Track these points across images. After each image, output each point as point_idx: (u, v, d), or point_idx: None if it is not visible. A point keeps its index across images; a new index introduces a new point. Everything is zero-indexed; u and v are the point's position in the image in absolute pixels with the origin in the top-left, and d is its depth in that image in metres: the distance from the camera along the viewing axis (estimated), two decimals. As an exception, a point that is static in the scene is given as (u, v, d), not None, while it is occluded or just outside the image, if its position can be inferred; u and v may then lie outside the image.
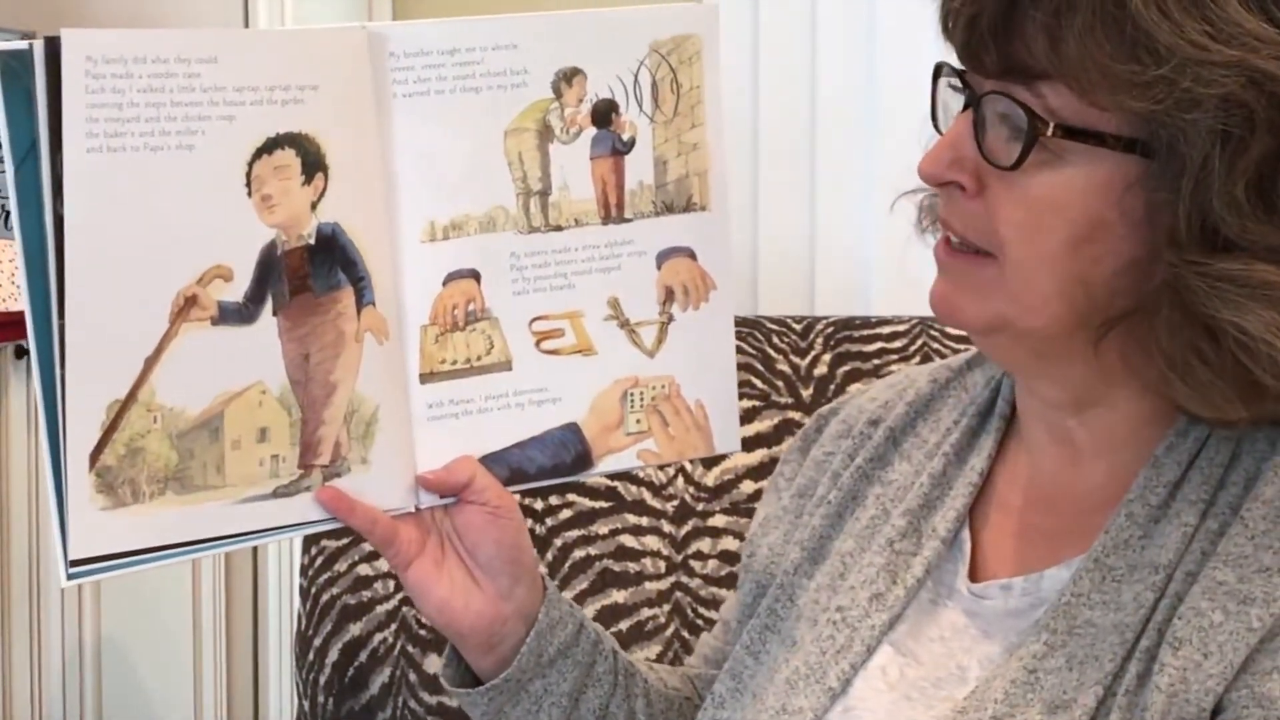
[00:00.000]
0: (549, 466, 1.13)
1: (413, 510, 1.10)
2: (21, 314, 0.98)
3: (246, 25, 2.13)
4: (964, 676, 0.99)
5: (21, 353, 2.31)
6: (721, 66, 1.12)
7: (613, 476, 1.68)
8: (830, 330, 1.76)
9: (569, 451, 1.13)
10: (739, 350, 1.71)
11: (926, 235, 1.04)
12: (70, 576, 0.99)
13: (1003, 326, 0.97)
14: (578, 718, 1.15)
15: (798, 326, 1.77)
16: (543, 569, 1.61)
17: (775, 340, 1.76)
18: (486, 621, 1.11)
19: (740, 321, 1.76)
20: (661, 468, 1.69)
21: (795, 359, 1.74)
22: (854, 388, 1.19)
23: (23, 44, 0.95)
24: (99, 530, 0.99)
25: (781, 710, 1.03)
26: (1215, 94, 0.87)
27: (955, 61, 0.97)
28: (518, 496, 1.13)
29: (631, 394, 1.14)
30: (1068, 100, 0.91)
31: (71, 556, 0.99)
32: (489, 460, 1.11)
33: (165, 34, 0.99)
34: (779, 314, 1.85)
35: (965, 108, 0.96)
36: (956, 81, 0.97)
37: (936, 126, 0.99)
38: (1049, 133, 0.91)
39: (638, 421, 1.14)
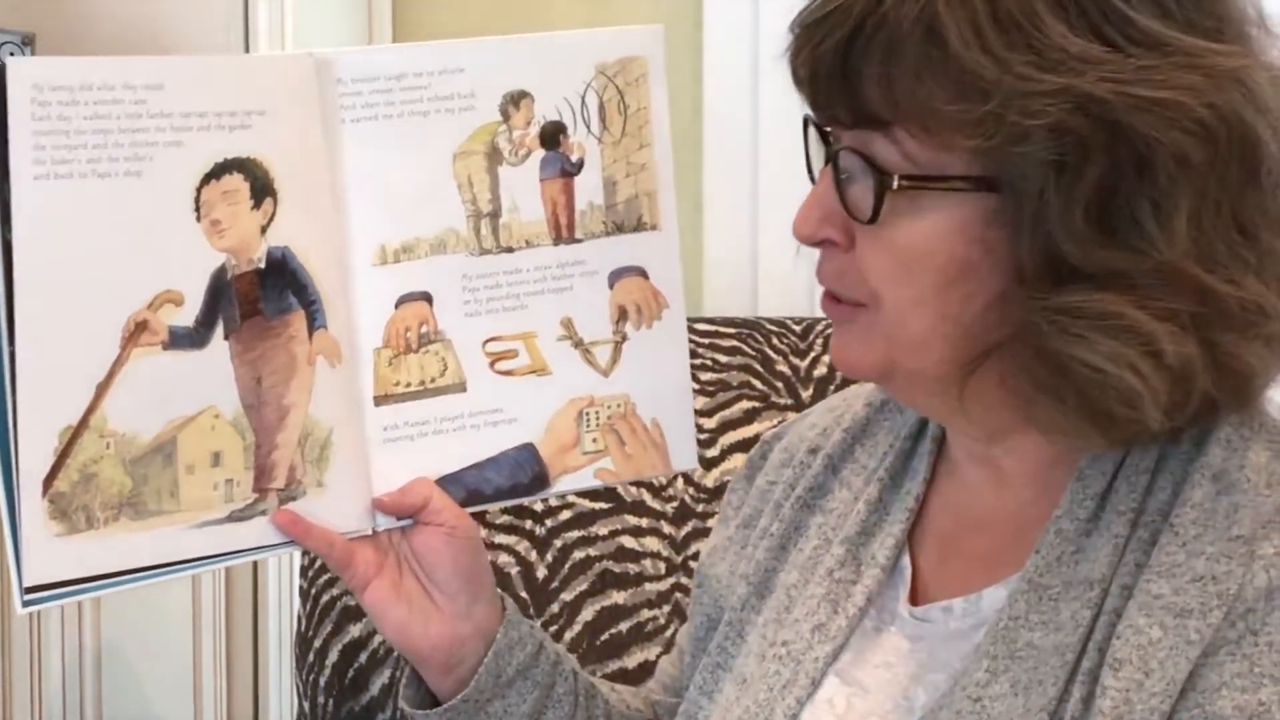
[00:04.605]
0: (506, 487, 1.13)
1: (369, 532, 1.10)
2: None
3: (246, 33, 2.14)
4: (911, 706, 0.98)
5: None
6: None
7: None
8: (830, 332, 1.76)
9: (526, 472, 1.14)
10: (739, 351, 1.73)
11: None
12: (25, 604, 1.00)
13: (892, 370, 0.96)
14: (539, 738, 1.15)
15: (797, 328, 1.77)
16: (536, 569, 1.62)
17: (775, 341, 1.75)
18: (445, 642, 1.11)
19: (740, 323, 1.77)
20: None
21: (795, 360, 1.74)
22: (854, 388, 1.18)
23: None
24: (54, 556, 1.00)
25: None
26: (1042, 124, 0.87)
27: None
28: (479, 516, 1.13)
29: (587, 413, 1.14)
30: (915, 146, 0.91)
31: (26, 583, 0.99)
32: (446, 481, 1.12)
33: (111, 61, 1.00)
34: (779, 315, 1.84)
35: (826, 162, 0.96)
36: (818, 135, 0.97)
37: (811, 178, 0.98)
38: (895, 185, 0.91)
39: (594, 441, 1.15)
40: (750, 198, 2.14)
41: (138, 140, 1.00)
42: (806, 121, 0.98)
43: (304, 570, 1.72)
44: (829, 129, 0.96)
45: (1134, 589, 0.91)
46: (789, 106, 2.21)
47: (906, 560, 1.04)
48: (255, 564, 2.27)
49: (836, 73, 0.92)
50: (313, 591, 1.69)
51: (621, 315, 1.14)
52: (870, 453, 1.10)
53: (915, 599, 1.02)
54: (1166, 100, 0.87)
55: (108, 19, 2.16)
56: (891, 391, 1.03)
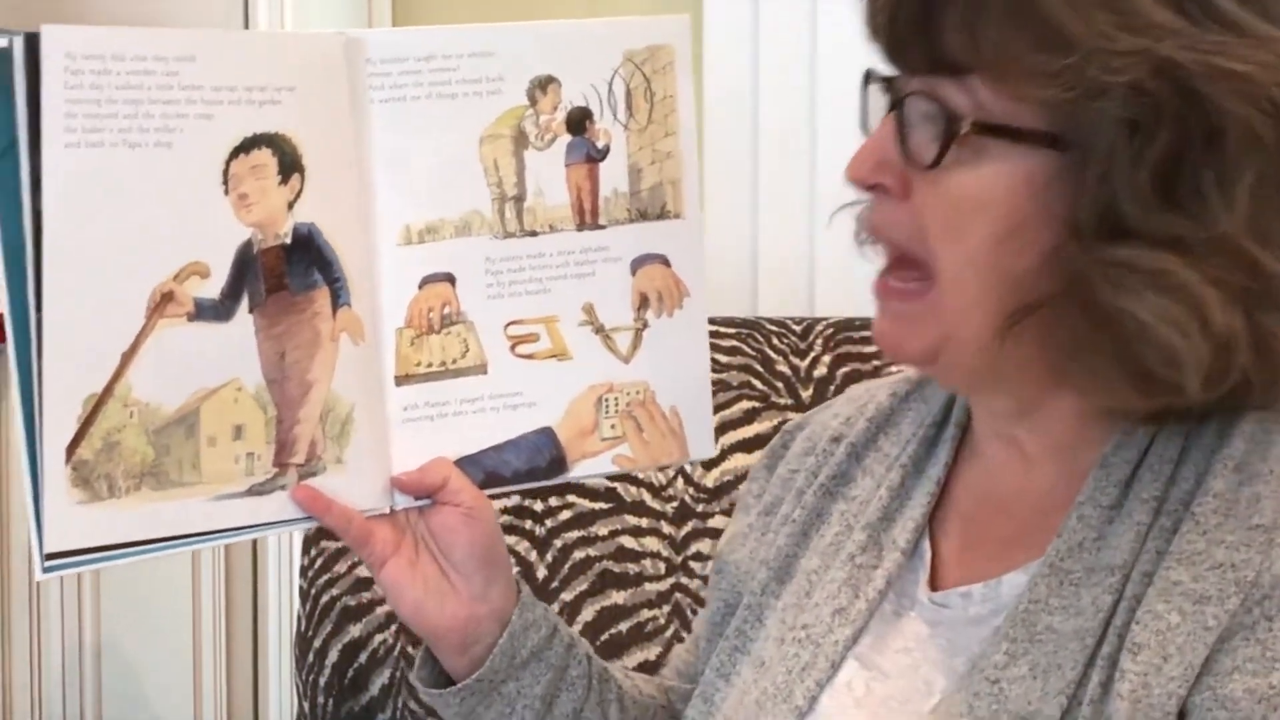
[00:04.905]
0: (524, 470, 1.14)
1: (387, 511, 1.11)
2: (3, 312, 1.00)
3: (246, 23, 2.15)
4: (930, 690, 0.98)
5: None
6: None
7: (606, 478, 1.69)
8: (830, 331, 1.76)
9: (544, 456, 1.14)
10: (739, 352, 1.73)
11: (865, 248, 1.04)
12: (46, 570, 1.00)
13: (942, 350, 0.97)
14: (551, 720, 1.15)
15: (798, 328, 1.77)
16: (536, 569, 1.62)
17: (775, 341, 1.75)
18: (460, 622, 1.11)
19: (740, 323, 1.76)
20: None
21: (795, 360, 1.74)
22: (875, 380, 1.19)
23: (2, 40, 0.96)
24: (75, 523, 1.00)
25: None
26: (1121, 81, 0.88)
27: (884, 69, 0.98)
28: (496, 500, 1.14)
29: (606, 399, 1.15)
30: (989, 95, 0.92)
31: (46, 549, 1.00)
32: (464, 463, 1.12)
33: (144, 32, 1.00)
34: (779, 315, 1.85)
35: (890, 110, 0.96)
36: (882, 86, 0.98)
37: (865, 130, 0.99)
38: (964, 130, 0.92)
39: (612, 427, 1.15)
40: (750, 197, 2.15)
41: (168, 112, 1.00)
42: (867, 76, 0.99)
43: (304, 570, 1.72)
44: (895, 78, 0.97)
45: (1154, 576, 0.92)
46: (789, 106, 2.22)
47: (926, 544, 1.04)
48: (255, 564, 2.27)
49: (918, 18, 0.93)
50: (313, 591, 1.69)
51: (643, 302, 1.15)
52: (894, 441, 1.11)
53: (935, 584, 1.03)
54: (1244, 74, 0.89)
55: (108, 18, 2.16)
56: (933, 373, 1.04)
